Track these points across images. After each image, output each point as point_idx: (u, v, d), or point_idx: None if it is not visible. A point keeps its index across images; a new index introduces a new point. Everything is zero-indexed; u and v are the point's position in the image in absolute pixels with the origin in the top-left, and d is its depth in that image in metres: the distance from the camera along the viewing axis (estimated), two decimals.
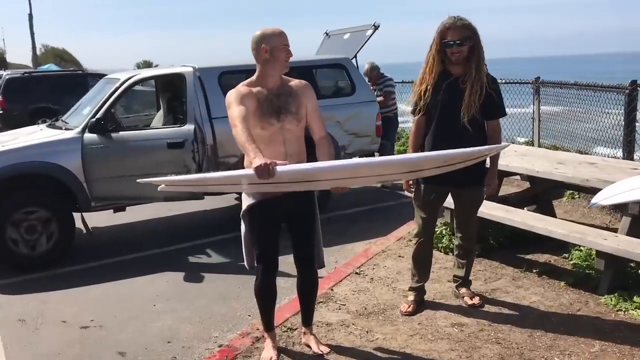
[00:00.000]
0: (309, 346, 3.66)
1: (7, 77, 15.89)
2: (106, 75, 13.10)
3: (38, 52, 44.32)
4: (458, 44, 3.68)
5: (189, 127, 5.85)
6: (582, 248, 4.67)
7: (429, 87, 3.82)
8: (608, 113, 7.00)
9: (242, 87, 3.31)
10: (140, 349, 3.92)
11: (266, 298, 3.56)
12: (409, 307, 4.12)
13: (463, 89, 3.73)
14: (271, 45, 3.23)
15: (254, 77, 3.34)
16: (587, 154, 7.21)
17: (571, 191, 6.67)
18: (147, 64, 44.27)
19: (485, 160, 3.82)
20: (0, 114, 15.39)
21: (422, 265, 4.25)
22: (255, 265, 3.49)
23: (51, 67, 32.12)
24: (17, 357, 3.92)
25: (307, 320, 3.72)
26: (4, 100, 15.27)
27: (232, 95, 3.28)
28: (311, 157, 3.36)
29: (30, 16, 39.98)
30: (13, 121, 14.73)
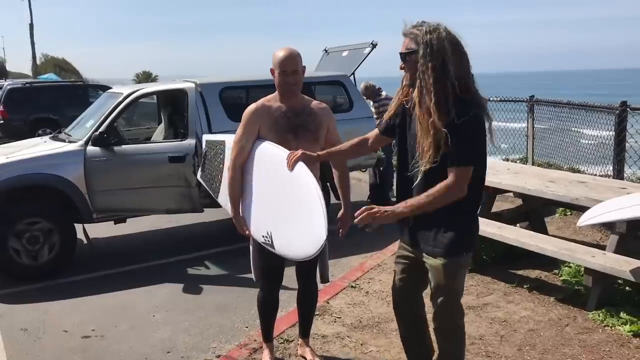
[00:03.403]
0: (304, 358, 3.77)
1: (9, 87, 16.05)
2: (107, 86, 13.22)
3: (38, 62, 44.56)
4: (401, 57, 2.77)
5: (190, 142, 5.97)
6: (571, 265, 4.81)
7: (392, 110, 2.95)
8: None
9: (260, 103, 3.41)
10: (141, 358, 4.03)
11: (268, 310, 3.68)
12: None
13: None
14: (274, 70, 3.36)
15: (275, 92, 3.44)
16: (579, 171, 7.35)
17: (563, 208, 6.81)
18: (147, 75, 44.53)
19: (459, 227, 2.76)
20: (1, 123, 15.53)
21: (405, 346, 3.25)
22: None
23: (51, 76, 32.37)
24: None
25: (305, 332, 3.84)
26: (5, 110, 15.42)
27: (247, 112, 3.42)
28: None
29: (31, 26, 40.29)
30: (14, 131, 14.89)
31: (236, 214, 3.49)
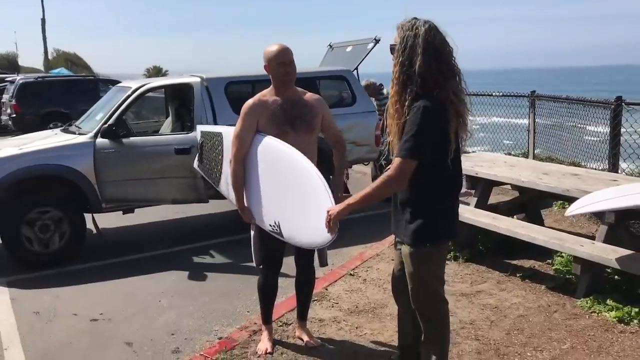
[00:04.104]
0: (301, 339, 3.96)
1: (21, 81, 16.33)
2: (117, 81, 13.43)
3: (49, 56, 44.91)
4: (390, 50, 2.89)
5: (196, 134, 6.14)
6: (563, 254, 4.95)
7: None
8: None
9: (257, 98, 3.59)
10: (146, 340, 4.22)
11: (267, 294, 3.88)
12: None
13: None
14: (269, 64, 3.53)
15: (270, 87, 3.62)
16: (580, 166, 7.48)
17: (561, 201, 6.93)
18: (157, 70, 44.78)
19: (423, 219, 2.87)
20: (14, 117, 15.82)
21: (399, 325, 3.47)
22: (262, 263, 3.80)
23: (62, 71, 32.68)
24: (32, 345, 4.22)
25: (302, 315, 4.03)
26: (18, 104, 15.71)
27: (245, 107, 3.59)
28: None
29: (43, 21, 40.62)
30: (26, 124, 15.17)
31: (241, 205, 3.67)
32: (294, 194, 3.37)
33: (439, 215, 2.91)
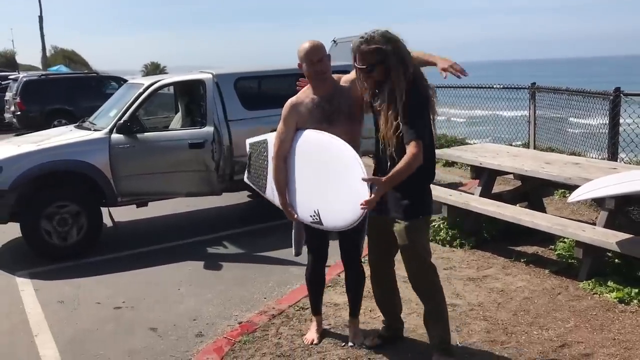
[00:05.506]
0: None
1: (25, 79, 16.48)
2: (119, 77, 13.51)
3: (47, 54, 44.92)
4: (366, 70, 3.21)
5: (209, 129, 6.35)
6: (566, 240, 5.16)
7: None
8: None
9: (295, 99, 3.62)
10: (169, 325, 4.43)
11: (315, 284, 3.97)
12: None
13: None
14: (302, 62, 3.55)
15: (309, 85, 3.65)
16: (580, 155, 7.68)
17: (563, 190, 7.14)
18: (155, 66, 44.92)
19: (419, 191, 3.37)
20: (18, 114, 15.98)
21: (379, 303, 3.93)
22: (301, 253, 3.95)
23: (61, 68, 32.79)
24: (61, 332, 4.42)
25: (354, 312, 3.97)
26: (22, 101, 15.87)
27: (284, 108, 3.63)
28: None
29: (41, 18, 40.62)
30: (30, 122, 15.36)
31: (284, 201, 3.71)
32: (332, 177, 3.42)
33: (427, 190, 3.43)
